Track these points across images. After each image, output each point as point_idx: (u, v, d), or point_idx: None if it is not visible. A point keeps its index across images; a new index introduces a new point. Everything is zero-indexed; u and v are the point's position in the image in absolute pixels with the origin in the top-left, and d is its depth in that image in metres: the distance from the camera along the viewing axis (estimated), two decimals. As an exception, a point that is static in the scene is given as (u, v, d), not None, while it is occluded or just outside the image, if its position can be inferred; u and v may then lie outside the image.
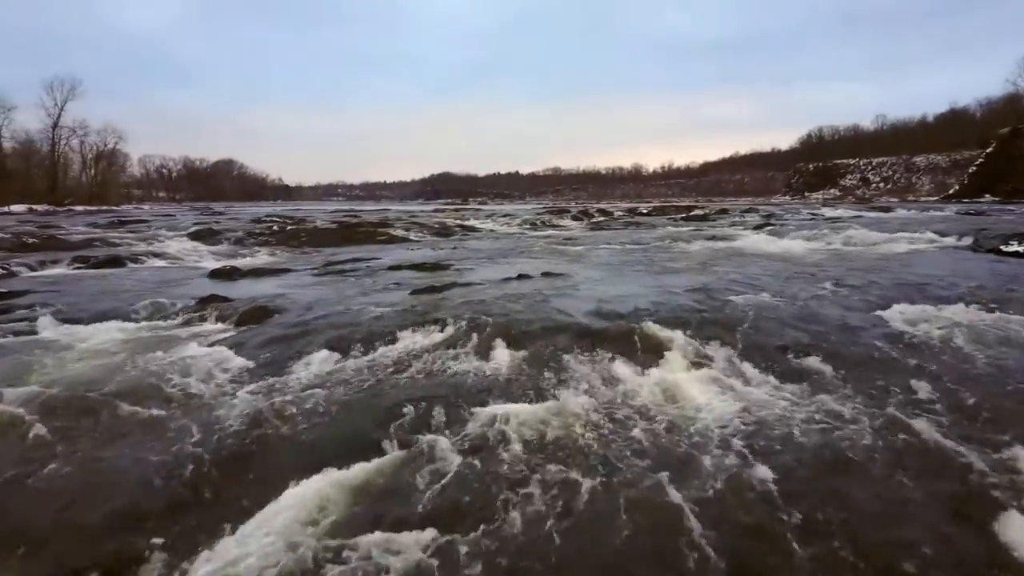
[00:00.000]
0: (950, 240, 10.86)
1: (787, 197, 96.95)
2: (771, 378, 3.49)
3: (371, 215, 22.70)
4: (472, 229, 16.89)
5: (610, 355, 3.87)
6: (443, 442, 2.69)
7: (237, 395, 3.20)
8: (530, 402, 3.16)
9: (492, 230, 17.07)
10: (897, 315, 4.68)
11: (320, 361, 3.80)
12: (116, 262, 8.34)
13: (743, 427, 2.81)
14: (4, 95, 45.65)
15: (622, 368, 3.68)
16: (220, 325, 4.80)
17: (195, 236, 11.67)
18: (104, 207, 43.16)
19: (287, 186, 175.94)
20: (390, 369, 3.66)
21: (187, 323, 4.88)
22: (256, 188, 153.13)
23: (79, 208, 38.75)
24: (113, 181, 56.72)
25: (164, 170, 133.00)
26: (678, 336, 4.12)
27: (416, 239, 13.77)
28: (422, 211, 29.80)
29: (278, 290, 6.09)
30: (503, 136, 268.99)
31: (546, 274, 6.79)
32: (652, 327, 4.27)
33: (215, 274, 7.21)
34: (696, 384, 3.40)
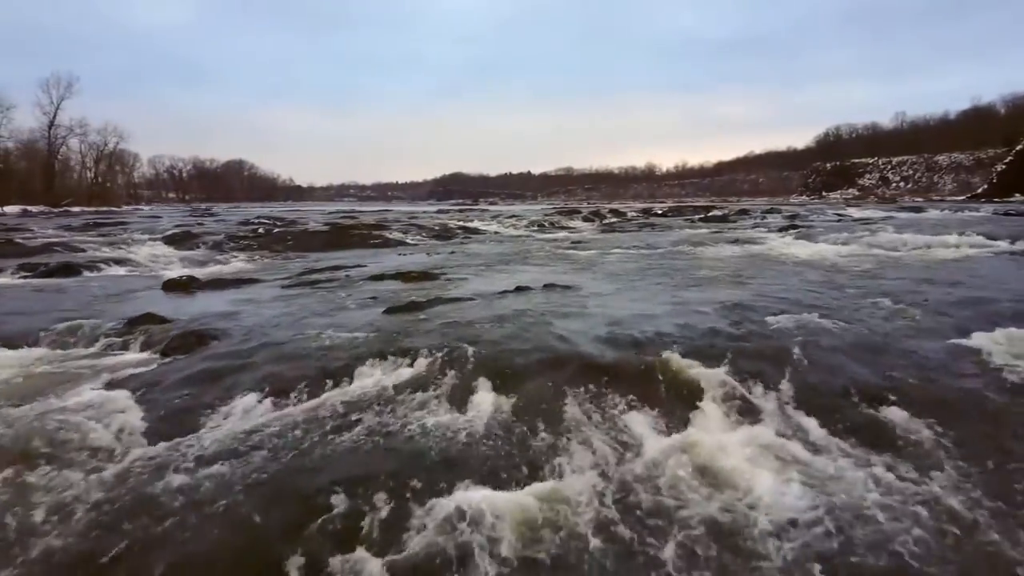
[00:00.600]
0: (1003, 244, 9.83)
1: (804, 197, 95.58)
2: (844, 443, 2.59)
3: (371, 216, 21.87)
4: (475, 231, 16.01)
5: (625, 403, 2.99)
6: (372, 567, 1.80)
7: (110, 471, 2.33)
8: (514, 485, 2.28)
9: (496, 232, 16.17)
10: (985, 343, 3.74)
11: (242, 413, 2.93)
12: (68, 271, 7.53)
13: (820, 536, 1.91)
14: (3, 93, 45.34)
15: (642, 425, 2.78)
16: (142, 355, 3.95)
17: (170, 240, 10.87)
18: (103, 208, 42.73)
19: (298, 187, 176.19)
20: (331, 426, 2.78)
21: (104, 351, 4.03)
22: (266, 189, 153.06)
23: (76, 209, 38.27)
24: (115, 181, 56.35)
25: (174, 171, 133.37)
26: (713, 375, 3.22)
27: (412, 243, 12.91)
28: (425, 212, 28.97)
29: (231, 307, 5.23)
30: (515, 136, 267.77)
31: (549, 286, 5.89)
32: (679, 361, 3.37)
33: (169, 285, 6.37)
34: (744, 452, 2.50)
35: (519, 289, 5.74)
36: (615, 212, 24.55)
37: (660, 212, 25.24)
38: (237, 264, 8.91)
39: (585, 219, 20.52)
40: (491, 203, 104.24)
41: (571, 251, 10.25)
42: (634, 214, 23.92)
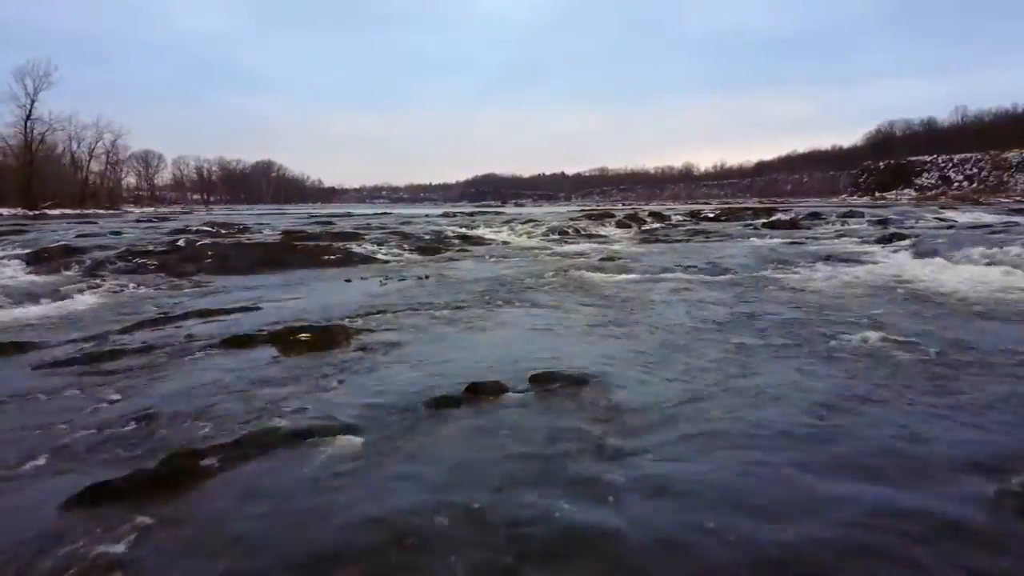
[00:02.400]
0: None
1: (857, 197, 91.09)
2: None
3: (353, 222, 19.13)
4: (476, 241, 13.04)
5: None
6: None
7: None
8: None
9: (504, 243, 13.18)
10: None
11: None
12: None
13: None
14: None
15: None
16: None
17: (36, 259, 8.11)
18: (90, 211, 40.78)
19: (328, 188, 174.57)
20: None
21: None
22: (292, 190, 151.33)
23: (55, 212, 36.34)
24: (116, 181, 54.72)
25: (201, 172, 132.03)
26: None
27: (384, 258, 9.98)
28: (427, 216, 25.96)
29: None
30: (548, 137, 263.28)
31: (541, 381, 2.91)
32: None
33: None
34: None
35: (473, 392, 2.76)
36: (656, 215, 21.20)
37: (711, 216, 21.83)
38: (82, 300, 6.05)
39: (620, 224, 17.35)
40: (518, 204, 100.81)
41: (598, 275, 7.21)
42: (680, 218, 20.61)
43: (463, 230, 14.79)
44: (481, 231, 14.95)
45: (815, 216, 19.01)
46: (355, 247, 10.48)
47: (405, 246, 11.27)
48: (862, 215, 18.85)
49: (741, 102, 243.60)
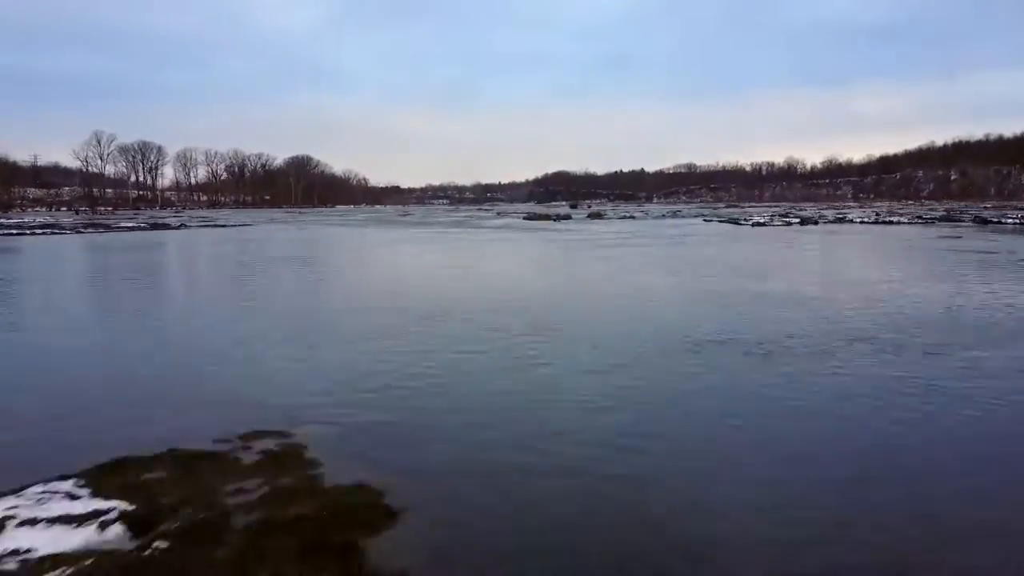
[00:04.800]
0: None
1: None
2: None
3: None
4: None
5: None
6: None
7: None
8: None
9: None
10: None
11: None
12: None
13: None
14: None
15: None
16: None
17: None
18: None
19: (379, 188, 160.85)
20: None
21: None
22: (333, 190, 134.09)
23: None
24: None
25: (233, 168, 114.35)
26: None
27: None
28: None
29: None
30: (626, 132, 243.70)
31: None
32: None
33: None
34: None
35: None
36: None
37: None
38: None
39: None
40: (594, 214, 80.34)
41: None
42: None
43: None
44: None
45: None
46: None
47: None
48: None
49: (845, 95, 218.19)
